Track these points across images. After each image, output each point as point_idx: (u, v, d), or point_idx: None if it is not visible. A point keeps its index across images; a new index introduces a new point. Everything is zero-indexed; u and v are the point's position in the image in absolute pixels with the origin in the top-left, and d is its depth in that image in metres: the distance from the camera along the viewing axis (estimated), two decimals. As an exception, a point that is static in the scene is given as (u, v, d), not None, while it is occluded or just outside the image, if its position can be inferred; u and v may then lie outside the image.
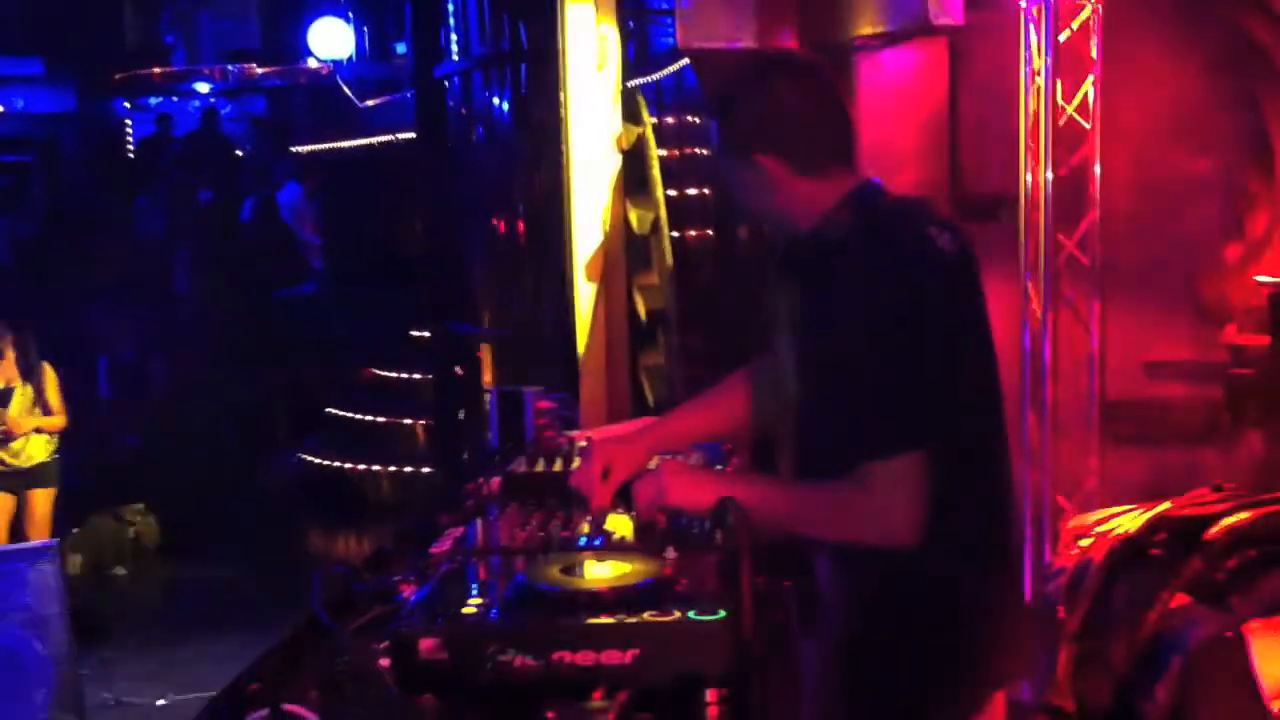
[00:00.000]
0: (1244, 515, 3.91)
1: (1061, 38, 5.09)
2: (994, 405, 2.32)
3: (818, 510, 2.22)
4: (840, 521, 2.19)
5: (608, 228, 5.88)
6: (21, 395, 6.57)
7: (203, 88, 15.25)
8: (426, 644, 1.90)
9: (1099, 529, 4.23)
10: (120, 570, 7.59)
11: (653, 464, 2.49)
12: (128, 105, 15.59)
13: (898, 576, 2.21)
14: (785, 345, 2.37)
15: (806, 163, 2.27)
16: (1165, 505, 4.16)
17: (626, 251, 5.99)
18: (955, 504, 2.17)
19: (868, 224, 2.24)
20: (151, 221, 12.10)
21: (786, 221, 2.31)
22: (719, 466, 2.80)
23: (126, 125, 15.64)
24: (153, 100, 15.46)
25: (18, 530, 6.46)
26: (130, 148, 15.51)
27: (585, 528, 2.39)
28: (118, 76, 14.96)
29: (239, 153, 14.18)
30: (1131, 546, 4.08)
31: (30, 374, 6.64)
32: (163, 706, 5.62)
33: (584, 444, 2.51)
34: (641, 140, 5.97)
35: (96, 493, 7.96)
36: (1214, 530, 3.89)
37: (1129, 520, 4.17)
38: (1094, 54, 5.12)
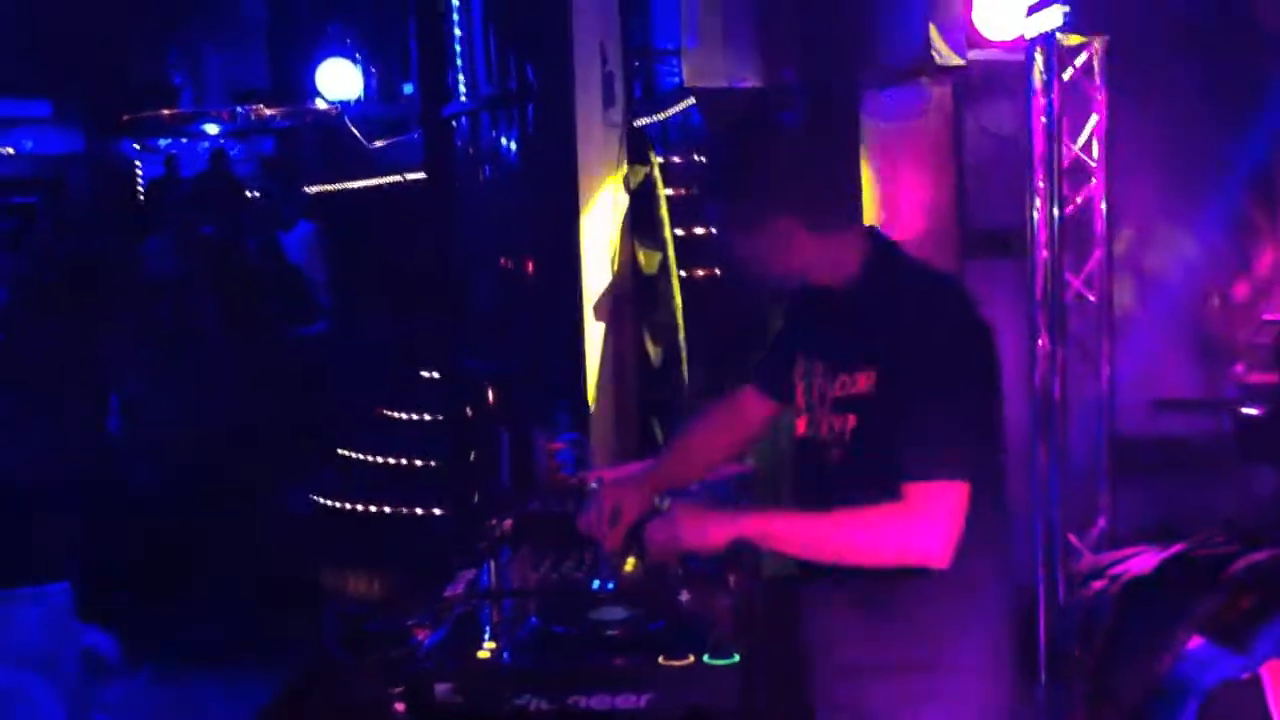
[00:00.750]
0: (1259, 555, 3.90)
1: (1065, 75, 5.12)
2: (1003, 446, 2.42)
3: (852, 532, 2.24)
4: (876, 541, 2.23)
5: (616, 267, 5.90)
6: None
7: (211, 129, 15.33)
8: (441, 687, 1.90)
9: (1112, 569, 4.22)
10: (130, 610, 7.57)
11: (663, 505, 2.50)
12: (136, 146, 15.67)
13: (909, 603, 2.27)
14: (808, 383, 2.40)
15: (823, 220, 2.29)
16: (1178, 546, 4.15)
17: (635, 291, 6.00)
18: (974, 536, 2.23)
19: (908, 275, 2.35)
20: (161, 262, 12.14)
21: (803, 278, 2.36)
22: (731, 504, 2.80)
23: (136, 166, 15.72)
24: (162, 141, 15.54)
25: None
26: (140, 188, 15.58)
27: (598, 570, 2.39)
28: (126, 118, 15.04)
29: (249, 193, 14.24)
30: (1146, 586, 4.07)
31: None
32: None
33: (595, 485, 2.52)
34: (649, 180, 5.99)
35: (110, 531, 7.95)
36: (1229, 570, 3.89)
37: (1142, 561, 4.17)
38: (1098, 92, 5.15)
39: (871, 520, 2.22)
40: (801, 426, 2.42)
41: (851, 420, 2.28)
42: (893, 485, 2.19)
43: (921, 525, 2.18)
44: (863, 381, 2.26)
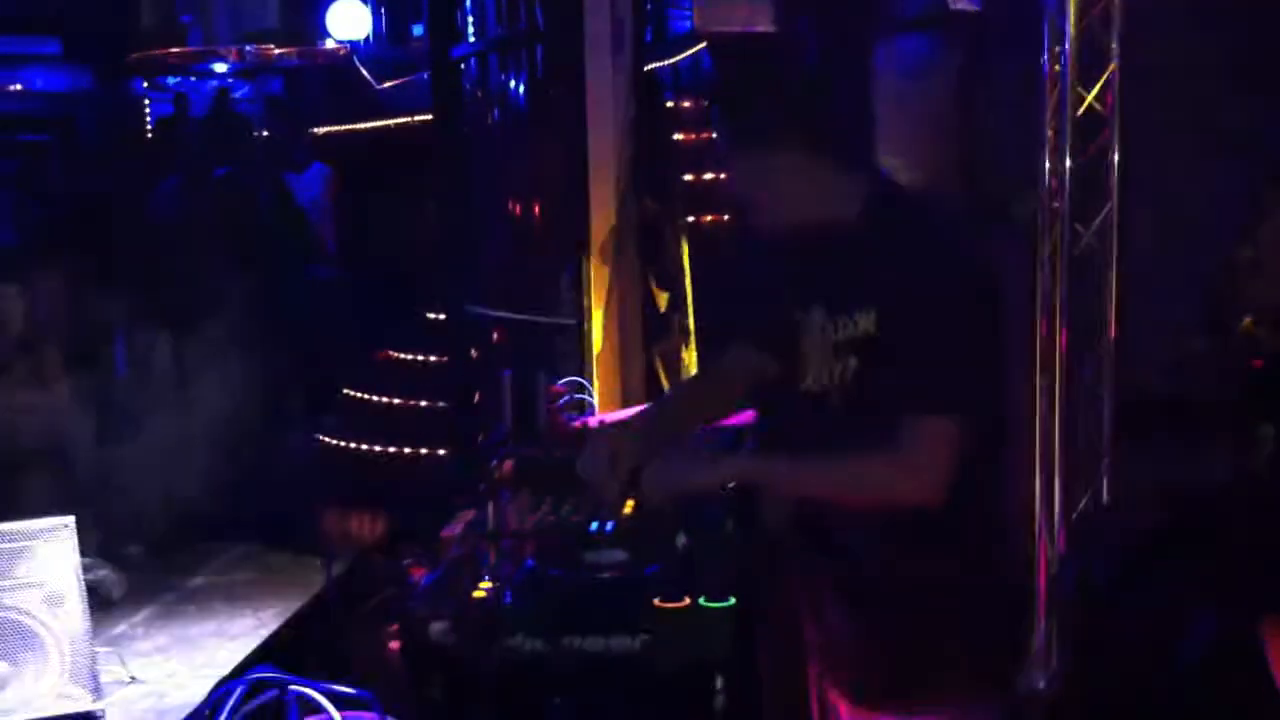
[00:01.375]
0: (1260, 514, 3.89)
1: (1082, 25, 5.06)
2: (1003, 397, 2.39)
3: (845, 469, 2.23)
4: (868, 477, 2.22)
5: (623, 212, 5.87)
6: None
7: (220, 68, 15.24)
8: (436, 626, 1.90)
9: (1112, 525, 4.22)
10: (135, 548, 7.60)
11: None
12: (145, 85, 15.60)
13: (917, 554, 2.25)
14: (806, 317, 2.37)
15: (838, 153, 2.27)
16: (1179, 501, 4.14)
17: (641, 236, 5.98)
18: (974, 481, 2.22)
19: (910, 214, 2.31)
20: (171, 203, 12.11)
21: (813, 215, 2.30)
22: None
23: (144, 105, 15.65)
24: (170, 80, 15.46)
25: None
26: (148, 128, 15.52)
27: (595, 514, 2.39)
28: (134, 56, 14.96)
29: (256, 134, 14.17)
30: (1147, 542, 4.06)
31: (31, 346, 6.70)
32: (176, 684, 5.64)
33: (595, 429, 2.51)
34: (659, 124, 5.94)
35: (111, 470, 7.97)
36: (1230, 528, 3.88)
37: (1143, 516, 4.16)
38: (1114, 43, 5.10)
39: (862, 458, 2.21)
40: (802, 377, 2.38)
41: (853, 362, 2.25)
42: (890, 420, 2.18)
43: (910, 462, 2.16)
44: (863, 323, 2.23)
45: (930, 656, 2.23)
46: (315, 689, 1.91)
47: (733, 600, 1.93)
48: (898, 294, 2.19)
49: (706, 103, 7.57)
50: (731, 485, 2.25)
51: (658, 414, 2.63)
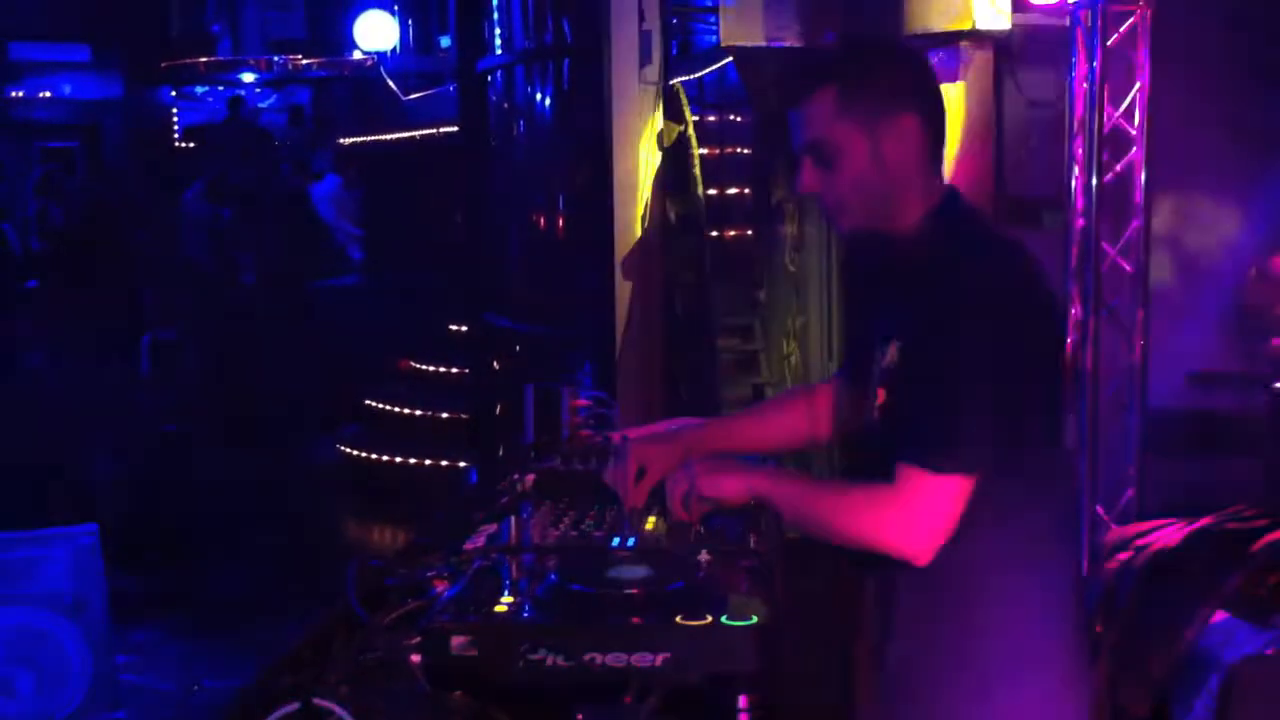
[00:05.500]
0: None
1: (1109, 42, 5.04)
2: (1060, 435, 2.25)
3: (834, 505, 2.14)
4: (854, 522, 2.10)
5: (646, 225, 5.87)
6: None
7: (248, 77, 15.35)
8: (457, 640, 1.90)
9: (1138, 542, 4.18)
10: (158, 557, 7.63)
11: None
12: (174, 94, 15.71)
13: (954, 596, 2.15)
14: (865, 354, 2.25)
15: (937, 143, 2.17)
16: (1206, 519, 4.11)
17: (665, 250, 5.98)
18: (1020, 530, 2.12)
19: (962, 239, 2.16)
20: (195, 209, 12.20)
21: (886, 213, 2.17)
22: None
23: (173, 113, 15.76)
24: (199, 89, 15.57)
25: None
26: (176, 136, 15.63)
27: (618, 528, 2.38)
28: (164, 65, 15.07)
29: (277, 143, 14.25)
30: (1171, 560, 4.03)
31: None
32: (196, 694, 5.65)
33: (619, 442, 2.50)
34: (683, 139, 5.95)
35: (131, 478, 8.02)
36: (1256, 545, 3.85)
37: (1169, 533, 4.13)
38: (1142, 59, 5.08)
39: (856, 498, 2.10)
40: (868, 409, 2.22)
41: (880, 395, 2.15)
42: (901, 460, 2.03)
43: (901, 513, 2.02)
44: (892, 352, 2.12)
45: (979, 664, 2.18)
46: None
47: (755, 619, 1.91)
48: (920, 325, 2.06)
49: (731, 117, 7.57)
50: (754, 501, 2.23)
51: (695, 431, 2.58)
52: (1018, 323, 2.06)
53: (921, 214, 2.17)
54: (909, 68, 2.18)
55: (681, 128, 5.97)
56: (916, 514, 2.03)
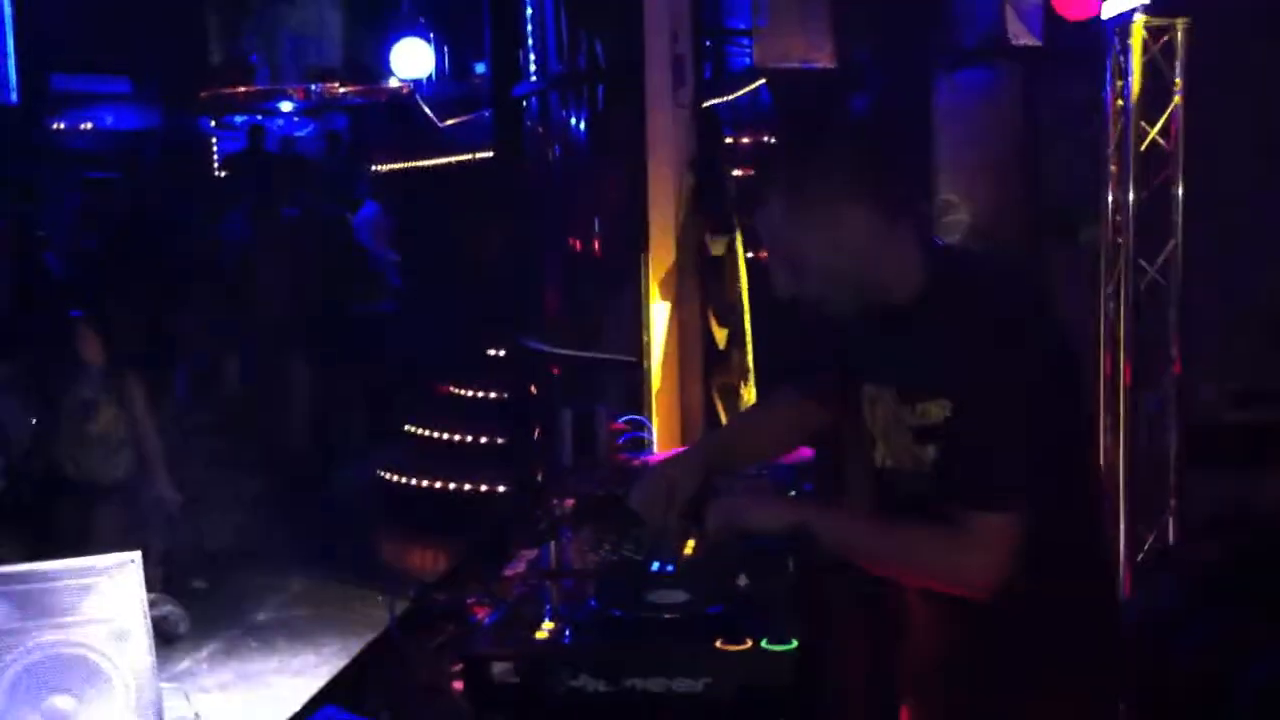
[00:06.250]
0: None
1: (1145, 59, 5.03)
2: (1089, 464, 2.36)
3: (902, 546, 2.19)
4: (923, 561, 2.17)
5: (682, 248, 5.88)
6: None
7: (286, 106, 15.48)
8: (499, 667, 1.91)
9: (1179, 558, 4.16)
10: (200, 584, 7.68)
11: (723, 486, 2.47)
12: (213, 123, 15.86)
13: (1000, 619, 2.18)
14: (877, 410, 2.31)
15: (894, 215, 2.18)
16: (1246, 535, 4.08)
17: (701, 272, 5.98)
18: (1055, 564, 2.16)
19: (978, 290, 2.21)
20: (234, 237, 12.30)
21: (875, 289, 2.22)
22: (791, 492, 2.78)
23: (212, 142, 15.90)
24: (238, 119, 15.71)
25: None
26: (215, 165, 15.78)
27: (656, 552, 2.38)
28: (203, 94, 15.22)
29: (310, 170, 14.36)
30: (1211, 575, 4.01)
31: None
32: None
33: (641, 468, 2.51)
34: (717, 164, 5.94)
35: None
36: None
37: (1209, 549, 4.11)
38: (1178, 76, 5.06)
39: (923, 537, 2.16)
40: (877, 456, 2.31)
41: (931, 452, 2.19)
42: (954, 505, 2.11)
43: (973, 553, 2.10)
44: (935, 410, 2.17)
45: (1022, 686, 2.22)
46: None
47: (795, 643, 1.92)
48: (969, 385, 2.12)
49: (765, 138, 7.59)
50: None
51: (712, 448, 2.60)
52: (1051, 365, 2.16)
53: (915, 276, 2.20)
54: (845, 157, 2.18)
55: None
56: (985, 553, 2.10)
